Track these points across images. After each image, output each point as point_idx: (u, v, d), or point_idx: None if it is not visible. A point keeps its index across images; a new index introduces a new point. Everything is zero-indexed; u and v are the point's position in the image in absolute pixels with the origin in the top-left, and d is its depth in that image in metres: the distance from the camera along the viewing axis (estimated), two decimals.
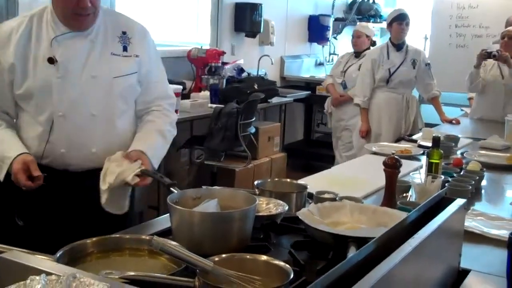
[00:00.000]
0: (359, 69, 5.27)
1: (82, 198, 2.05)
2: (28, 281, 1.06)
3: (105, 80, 2.06)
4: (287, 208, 1.80)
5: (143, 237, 1.50)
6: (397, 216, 1.64)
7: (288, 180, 2.16)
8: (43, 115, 2.03)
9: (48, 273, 1.10)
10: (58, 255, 1.36)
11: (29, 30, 2.03)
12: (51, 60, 1.99)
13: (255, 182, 2.02)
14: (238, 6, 6.14)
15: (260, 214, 1.77)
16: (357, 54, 5.69)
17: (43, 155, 2.04)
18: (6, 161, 1.98)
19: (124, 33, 2.14)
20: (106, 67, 2.07)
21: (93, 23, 2.04)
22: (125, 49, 2.12)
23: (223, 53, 5.54)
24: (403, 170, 2.15)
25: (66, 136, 2.04)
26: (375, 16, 8.47)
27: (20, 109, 2.10)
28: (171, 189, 1.74)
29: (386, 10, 8.35)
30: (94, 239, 1.46)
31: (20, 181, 1.93)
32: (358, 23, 5.73)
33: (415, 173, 2.54)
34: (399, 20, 4.92)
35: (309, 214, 1.67)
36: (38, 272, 1.12)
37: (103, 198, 1.91)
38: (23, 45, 2.01)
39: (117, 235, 1.53)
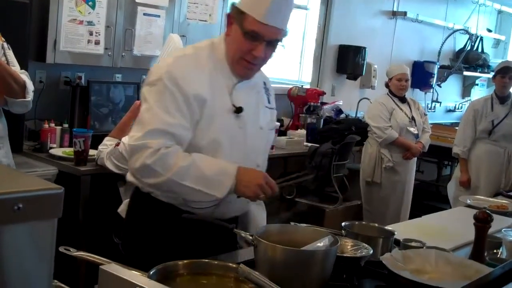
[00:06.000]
0: (406, 115, 4.98)
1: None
2: None
3: (265, 131, 2.11)
4: (371, 252, 1.82)
5: (230, 264, 1.58)
6: (483, 270, 1.62)
7: (376, 224, 2.18)
8: None
9: None
10: (151, 272, 1.46)
11: (209, 70, 1.95)
12: (239, 110, 1.96)
13: (342, 224, 2.06)
14: (342, 48, 6.23)
15: (345, 255, 1.81)
16: (403, 98, 5.06)
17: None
18: (230, 171, 1.87)
19: (264, 83, 2.17)
20: (265, 118, 2.11)
21: (254, 74, 2.04)
22: (269, 101, 2.16)
23: (323, 93, 5.62)
24: (496, 226, 2.12)
25: None
26: (483, 66, 8.28)
27: None
28: (235, 230, 1.81)
29: (494, 61, 8.15)
30: (185, 261, 1.55)
31: (268, 184, 1.87)
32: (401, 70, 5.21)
33: (508, 230, 2.48)
34: (502, 73, 4.83)
35: (392, 260, 1.69)
36: (133, 285, 1.23)
37: None
38: (209, 86, 1.93)
39: (207, 260, 1.61)
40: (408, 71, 5.04)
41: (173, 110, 1.86)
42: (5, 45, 2.64)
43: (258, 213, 2.26)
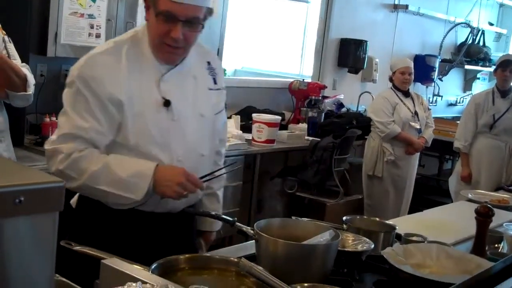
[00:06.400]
0: (409, 109, 4.96)
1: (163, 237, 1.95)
2: (125, 287, 1.17)
3: (210, 117, 1.99)
4: (373, 246, 1.83)
5: (232, 258, 1.58)
6: (484, 265, 1.62)
7: (377, 219, 2.18)
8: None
9: (144, 282, 1.21)
10: (153, 266, 1.46)
11: (130, 66, 1.83)
12: (167, 103, 1.85)
13: (344, 218, 2.06)
14: (343, 42, 6.22)
15: (346, 249, 1.81)
16: (407, 93, 5.04)
17: (148, 202, 1.86)
18: (146, 172, 1.79)
19: (209, 63, 2.02)
20: (208, 104, 1.98)
21: (180, 58, 1.89)
22: (215, 81, 2.02)
23: (324, 87, 5.61)
24: (497, 220, 2.11)
25: None
26: (484, 59, 8.27)
27: None
28: (237, 224, 1.79)
29: (496, 54, 8.13)
30: (187, 255, 1.56)
31: (190, 181, 1.80)
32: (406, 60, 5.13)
33: (509, 224, 2.48)
34: (503, 67, 4.83)
35: (393, 254, 1.70)
36: (135, 279, 1.23)
37: None
38: (129, 85, 1.82)
39: (208, 255, 1.62)
40: (411, 65, 5.01)
41: (86, 113, 1.80)
42: (6, 38, 2.63)
43: (211, 205, 2.17)
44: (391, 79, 5.05)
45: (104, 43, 1.96)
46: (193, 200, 2.02)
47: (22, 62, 2.67)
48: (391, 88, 5.01)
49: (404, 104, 4.94)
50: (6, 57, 2.55)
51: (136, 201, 1.81)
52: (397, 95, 4.95)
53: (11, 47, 2.65)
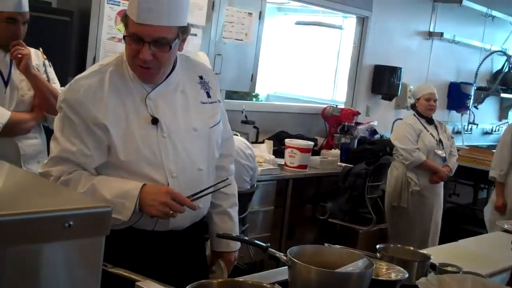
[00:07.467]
0: (434, 137, 4.85)
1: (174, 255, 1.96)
2: None
3: (204, 131, 1.96)
4: (407, 275, 1.81)
5: (265, 284, 1.58)
6: None
7: (411, 248, 2.15)
8: (151, 181, 1.85)
9: None
10: None
11: (114, 88, 1.85)
12: (155, 121, 1.86)
13: (378, 246, 2.04)
14: (377, 68, 6.21)
15: (380, 278, 1.79)
16: (430, 120, 4.93)
17: (146, 221, 1.87)
18: (132, 192, 1.79)
19: (201, 77, 2.02)
20: (202, 117, 1.97)
21: (158, 78, 1.88)
22: (208, 95, 2.01)
23: (358, 113, 5.60)
24: None
25: None
26: None
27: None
28: (270, 249, 1.78)
29: None
30: (220, 280, 1.57)
31: (176, 199, 1.79)
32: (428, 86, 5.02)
33: None
34: None
35: (428, 284, 1.67)
36: None
37: None
38: (114, 106, 1.83)
39: (241, 279, 1.62)
40: (436, 91, 4.95)
41: (73, 137, 1.82)
42: (47, 62, 2.71)
43: (223, 224, 2.14)
44: (413, 106, 4.98)
45: (91, 66, 1.99)
46: (198, 217, 2.01)
47: (61, 86, 2.74)
48: (414, 115, 4.93)
49: (428, 131, 4.86)
50: (46, 81, 2.62)
51: (124, 221, 1.80)
52: (420, 122, 4.86)
53: (51, 71, 2.72)
